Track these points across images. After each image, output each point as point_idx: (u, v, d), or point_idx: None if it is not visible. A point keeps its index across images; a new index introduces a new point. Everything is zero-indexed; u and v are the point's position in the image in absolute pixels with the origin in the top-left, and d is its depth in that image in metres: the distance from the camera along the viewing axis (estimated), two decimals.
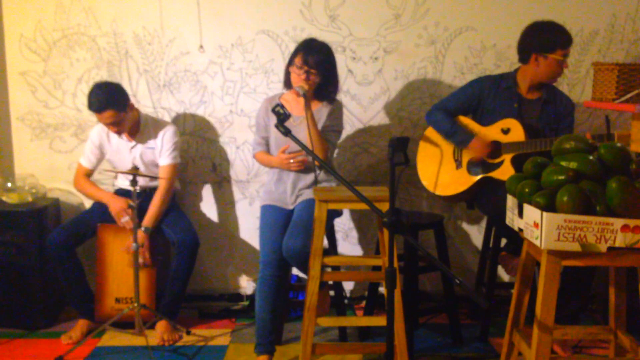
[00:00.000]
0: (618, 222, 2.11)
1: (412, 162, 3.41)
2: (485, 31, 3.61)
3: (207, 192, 3.78)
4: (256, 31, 3.61)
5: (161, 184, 3.37)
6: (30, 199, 3.51)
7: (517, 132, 3.11)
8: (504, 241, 3.25)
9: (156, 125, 3.43)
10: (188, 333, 3.35)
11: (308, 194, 3.11)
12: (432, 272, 3.51)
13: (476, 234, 3.80)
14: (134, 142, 3.38)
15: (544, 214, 2.12)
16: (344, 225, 3.80)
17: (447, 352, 3.15)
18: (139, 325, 3.08)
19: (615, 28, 3.63)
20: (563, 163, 2.25)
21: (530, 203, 2.24)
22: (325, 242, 3.12)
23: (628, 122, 3.29)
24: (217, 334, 3.38)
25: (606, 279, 2.56)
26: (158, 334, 3.27)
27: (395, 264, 2.20)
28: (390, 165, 2.07)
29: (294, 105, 3.15)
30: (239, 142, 3.72)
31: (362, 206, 2.36)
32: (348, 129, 3.68)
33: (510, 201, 2.45)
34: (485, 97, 3.23)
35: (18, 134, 3.71)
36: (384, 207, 2.52)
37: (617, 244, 2.13)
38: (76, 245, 3.31)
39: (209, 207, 3.79)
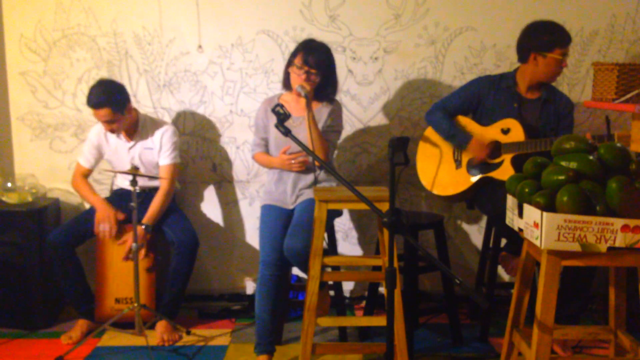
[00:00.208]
0: (618, 222, 2.11)
1: (412, 162, 3.41)
2: (485, 31, 3.61)
3: (207, 192, 3.78)
4: (256, 31, 3.61)
5: (162, 184, 3.37)
6: (30, 199, 3.51)
7: (516, 132, 3.11)
8: (504, 241, 3.25)
9: (155, 125, 3.43)
10: (188, 333, 3.35)
11: (309, 194, 3.11)
12: (432, 272, 3.50)
13: (476, 234, 3.80)
14: (132, 142, 3.38)
15: (544, 214, 2.12)
16: (344, 225, 3.80)
17: (447, 352, 3.15)
18: (139, 325, 3.08)
19: (615, 28, 3.63)
20: (563, 163, 2.25)
21: (530, 203, 2.24)
22: (325, 242, 3.12)
23: (628, 122, 3.30)
24: (217, 334, 3.38)
25: (606, 279, 2.56)
26: (158, 334, 3.27)
27: (395, 264, 2.20)
28: (390, 165, 2.06)
29: (294, 106, 3.15)
30: (239, 142, 3.72)
31: (362, 206, 2.36)
32: (348, 129, 3.68)
33: (510, 201, 2.45)
34: (485, 97, 3.23)
35: (18, 134, 3.71)
36: (384, 207, 2.52)
37: (617, 244, 2.13)
38: (76, 245, 3.31)
39: (209, 207, 3.79)
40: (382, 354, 2.97)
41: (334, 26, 3.61)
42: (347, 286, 3.80)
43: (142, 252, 3.26)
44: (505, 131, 3.15)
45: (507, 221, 2.50)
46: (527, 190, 2.29)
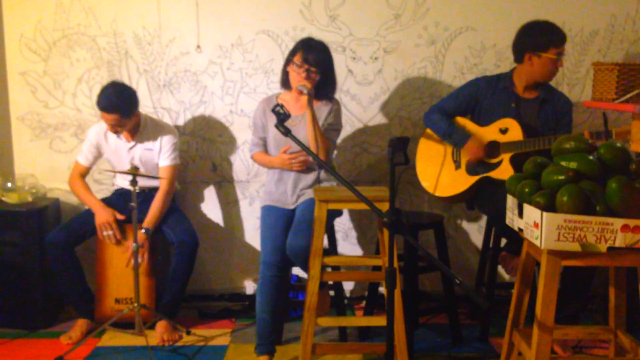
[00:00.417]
0: (618, 222, 2.11)
1: (412, 162, 3.41)
2: (485, 31, 3.61)
3: (207, 192, 3.78)
4: (256, 31, 3.61)
5: (162, 185, 3.37)
6: (30, 199, 3.51)
7: (515, 132, 3.11)
8: (504, 241, 3.25)
9: (155, 126, 3.42)
10: (188, 333, 3.35)
11: (310, 194, 3.10)
12: (432, 272, 3.50)
13: (476, 234, 3.80)
14: (132, 143, 3.38)
15: (544, 214, 2.12)
16: (344, 225, 3.80)
17: (447, 352, 3.15)
18: (139, 325, 3.07)
19: (615, 28, 3.63)
20: (563, 163, 2.25)
21: (530, 203, 2.24)
22: (325, 242, 3.12)
23: (628, 122, 3.29)
24: (217, 334, 3.38)
25: (606, 279, 2.56)
26: (158, 334, 3.27)
27: (395, 264, 2.20)
28: (390, 165, 2.06)
29: (292, 105, 3.15)
30: (239, 142, 3.72)
31: (362, 206, 2.36)
32: (348, 129, 3.68)
33: (510, 201, 2.45)
34: (482, 97, 3.24)
35: (18, 134, 3.71)
36: (384, 207, 2.52)
37: (617, 244, 2.13)
38: (76, 245, 3.31)
39: (209, 207, 3.79)
40: (382, 354, 2.98)
41: (334, 26, 3.61)
42: (347, 286, 3.80)
43: (145, 255, 3.26)
44: (504, 131, 3.15)
45: (507, 221, 2.50)
46: (527, 190, 2.29)
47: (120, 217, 3.31)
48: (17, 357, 3.10)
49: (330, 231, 3.29)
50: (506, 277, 3.67)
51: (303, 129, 3.08)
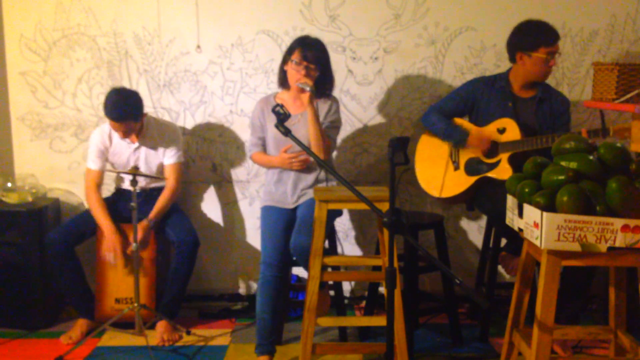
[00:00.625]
0: (618, 222, 2.11)
1: (411, 163, 3.41)
2: (485, 31, 3.61)
3: (207, 192, 3.78)
4: (256, 31, 3.61)
5: (169, 182, 3.39)
6: (30, 199, 3.50)
7: (512, 131, 3.12)
8: (504, 241, 3.25)
9: (159, 125, 3.43)
10: (188, 333, 3.35)
11: (312, 194, 3.10)
12: (432, 272, 3.51)
13: (476, 234, 3.80)
14: (137, 144, 3.38)
15: (544, 214, 2.12)
16: (344, 225, 3.80)
17: (447, 352, 3.15)
18: (139, 325, 3.08)
19: (615, 28, 3.63)
20: (563, 163, 2.25)
21: (530, 203, 2.24)
22: (326, 242, 3.12)
23: (627, 122, 3.29)
24: (217, 334, 3.38)
25: (606, 279, 2.56)
26: (158, 334, 3.27)
27: (395, 264, 2.20)
28: (390, 165, 2.06)
29: (291, 104, 3.15)
30: (239, 142, 3.72)
31: (362, 206, 2.36)
32: (348, 129, 3.68)
33: (510, 201, 2.45)
34: (479, 98, 3.24)
35: (18, 134, 3.71)
36: (384, 207, 2.52)
37: (617, 244, 2.13)
38: (76, 245, 3.31)
39: (209, 207, 3.79)
40: (382, 354, 2.97)
41: (334, 26, 3.61)
42: (347, 286, 3.80)
43: (146, 248, 3.27)
44: (501, 130, 3.16)
45: (507, 221, 2.50)
46: (527, 190, 2.29)
47: (128, 250, 3.26)
48: (17, 357, 3.10)
49: (331, 231, 3.29)
50: (506, 277, 3.67)
51: (302, 128, 3.08)
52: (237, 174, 3.76)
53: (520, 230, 2.36)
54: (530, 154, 2.69)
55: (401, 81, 3.67)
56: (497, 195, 2.87)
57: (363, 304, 3.72)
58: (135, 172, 3.02)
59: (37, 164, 3.71)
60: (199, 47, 3.62)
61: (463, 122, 3.30)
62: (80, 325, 3.32)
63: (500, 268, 3.32)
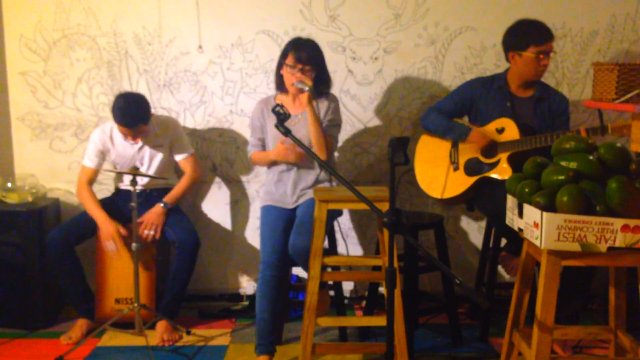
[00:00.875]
0: (618, 222, 2.11)
1: (411, 163, 3.41)
2: (485, 31, 3.61)
3: (207, 192, 3.78)
4: (256, 31, 3.61)
5: (186, 173, 3.43)
6: (30, 199, 3.51)
7: (511, 131, 3.12)
8: (504, 241, 3.25)
9: (160, 122, 3.43)
10: (188, 333, 3.35)
11: (311, 194, 3.10)
12: (432, 272, 3.51)
13: (476, 234, 3.80)
14: (140, 143, 3.37)
15: (544, 214, 2.12)
16: (344, 225, 3.80)
17: (447, 352, 3.15)
18: (139, 325, 3.08)
19: (615, 28, 3.63)
20: (563, 163, 2.25)
21: (530, 203, 2.24)
22: (326, 242, 3.12)
23: (626, 120, 3.29)
24: (217, 334, 3.38)
25: (606, 279, 2.56)
26: (158, 334, 3.27)
27: (395, 264, 2.20)
28: (390, 165, 2.06)
29: (290, 105, 3.15)
30: (239, 142, 3.72)
31: (362, 206, 2.36)
32: (348, 129, 3.68)
33: (510, 201, 2.45)
34: (478, 98, 3.24)
35: (18, 134, 3.71)
36: (384, 207, 2.52)
37: (617, 244, 2.13)
38: (76, 245, 3.31)
39: (209, 207, 3.79)
40: (382, 354, 2.97)
41: (334, 26, 3.61)
42: (347, 286, 3.80)
43: (157, 230, 3.30)
44: (500, 130, 3.16)
45: (507, 221, 2.50)
46: (527, 190, 2.29)
47: (123, 232, 3.29)
48: (17, 357, 3.10)
49: (331, 231, 3.29)
50: (506, 277, 3.67)
51: (302, 128, 3.08)
52: (237, 174, 3.76)
53: (520, 230, 2.36)
54: (529, 154, 2.69)
55: (401, 81, 3.67)
56: (497, 196, 2.87)
57: (363, 304, 3.72)
58: (135, 172, 3.02)
59: (37, 164, 3.71)
60: (200, 47, 3.62)
61: (463, 122, 3.30)
62: (80, 325, 3.32)
63: (500, 268, 3.32)
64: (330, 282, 3.26)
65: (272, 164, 3.20)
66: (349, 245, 3.81)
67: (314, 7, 3.59)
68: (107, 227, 3.27)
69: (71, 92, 3.67)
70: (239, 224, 3.81)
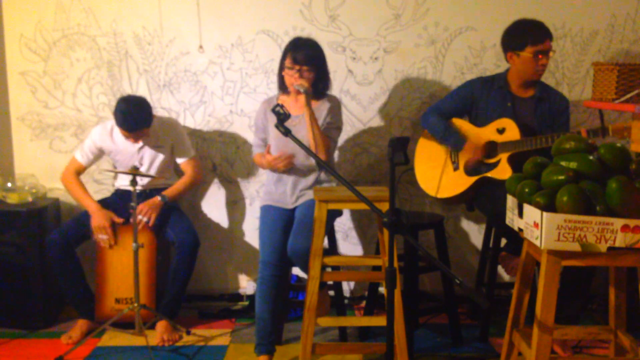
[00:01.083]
0: (618, 222, 2.11)
1: (411, 163, 3.41)
2: (485, 31, 3.61)
3: (207, 192, 3.78)
4: (256, 31, 3.61)
5: (187, 174, 3.45)
6: (30, 199, 3.50)
7: (512, 131, 3.12)
8: (504, 241, 3.25)
9: (161, 123, 3.43)
10: (188, 333, 3.35)
11: (310, 195, 3.10)
12: (432, 272, 3.51)
13: (476, 234, 3.80)
14: (141, 143, 3.37)
15: (544, 214, 2.12)
16: (344, 225, 3.80)
17: (447, 352, 3.15)
18: (139, 325, 3.08)
19: (615, 28, 3.63)
20: (563, 163, 2.25)
21: (530, 203, 2.24)
22: (326, 242, 3.12)
23: (626, 121, 3.29)
24: (217, 334, 3.38)
25: (606, 279, 2.56)
26: (158, 334, 3.27)
27: (395, 264, 2.20)
28: (390, 165, 2.06)
29: (293, 106, 3.15)
30: (239, 142, 3.72)
31: (362, 206, 2.36)
32: (348, 129, 3.68)
33: (510, 201, 2.45)
34: (478, 98, 3.25)
35: (18, 134, 3.71)
36: (384, 207, 2.52)
37: (617, 244, 2.13)
38: (76, 245, 3.31)
39: (209, 207, 3.79)
40: (382, 354, 2.97)
41: (334, 26, 3.61)
42: (347, 286, 3.81)
43: (152, 216, 3.29)
44: (501, 131, 3.16)
45: (507, 221, 2.50)
46: (527, 190, 2.28)
47: (117, 220, 3.31)
48: (17, 357, 3.10)
49: (331, 231, 3.29)
50: (506, 277, 3.68)
51: (302, 129, 3.08)
52: (237, 173, 3.76)
53: (520, 230, 2.36)
54: (529, 154, 2.69)
55: (401, 81, 3.67)
56: (497, 195, 2.87)
57: (363, 304, 3.72)
58: (135, 172, 3.02)
59: (37, 164, 3.71)
60: (201, 47, 3.62)
61: (463, 124, 3.29)
62: (80, 325, 3.32)
63: (500, 268, 3.32)
64: (330, 282, 3.26)
65: None
66: (349, 245, 3.81)
67: (314, 7, 3.59)
68: (99, 216, 3.28)
69: (71, 92, 3.67)
70: (239, 224, 3.81)
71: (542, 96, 3.19)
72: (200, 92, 3.67)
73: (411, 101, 3.69)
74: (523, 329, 2.50)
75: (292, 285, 3.49)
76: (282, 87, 3.18)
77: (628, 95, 3.06)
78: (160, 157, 3.40)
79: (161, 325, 3.30)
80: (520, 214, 2.32)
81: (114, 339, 3.29)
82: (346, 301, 3.68)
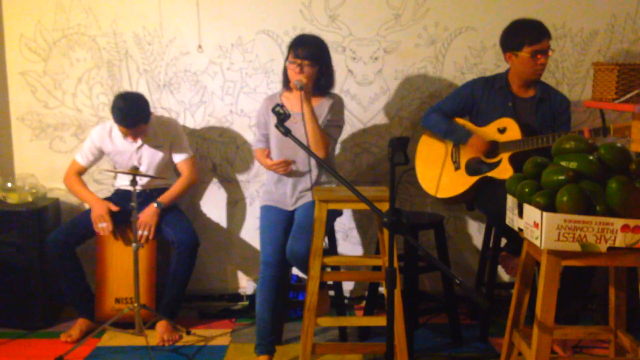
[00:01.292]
0: (618, 222, 2.11)
1: (411, 163, 3.41)
2: (485, 31, 3.61)
3: (207, 192, 3.78)
4: (256, 31, 3.61)
5: (183, 175, 3.44)
6: (30, 199, 3.50)
7: (513, 131, 3.12)
8: (504, 241, 3.25)
9: (160, 123, 3.43)
10: (188, 333, 3.35)
11: (310, 196, 3.11)
12: (432, 272, 3.51)
13: (476, 234, 3.80)
14: (139, 142, 3.38)
15: (544, 214, 2.12)
16: (344, 225, 3.80)
17: (447, 352, 3.15)
18: (139, 325, 3.08)
19: (615, 28, 3.63)
20: (563, 163, 2.25)
21: (530, 203, 2.24)
22: (326, 242, 3.12)
23: (627, 121, 3.29)
24: (217, 334, 3.38)
25: (606, 279, 2.56)
26: (158, 334, 3.27)
27: (395, 264, 2.20)
28: (390, 165, 2.06)
29: (295, 102, 3.14)
30: (239, 142, 3.72)
31: (362, 206, 2.36)
32: (348, 129, 3.68)
33: (510, 201, 2.45)
34: (479, 98, 3.25)
35: (18, 134, 3.71)
36: (384, 207, 2.52)
37: (617, 244, 2.13)
38: (76, 245, 3.31)
39: (209, 207, 3.79)
40: (382, 354, 2.97)
41: (334, 26, 3.61)
42: (347, 286, 3.80)
43: (151, 229, 3.29)
44: (502, 130, 3.16)
45: (507, 221, 2.50)
46: (527, 190, 2.28)
47: (114, 208, 3.32)
48: (17, 357, 3.10)
49: (330, 231, 3.29)
50: (506, 277, 3.68)
51: (303, 126, 3.08)
52: (237, 173, 3.76)
53: (520, 230, 2.36)
54: (530, 154, 2.69)
55: (401, 81, 3.67)
56: (498, 195, 2.87)
57: (363, 304, 3.71)
58: (135, 172, 3.02)
59: (37, 164, 3.71)
60: (200, 47, 3.62)
61: (464, 124, 3.30)
62: (80, 324, 3.33)
63: (500, 268, 3.32)
64: (330, 282, 3.26)
65: None
66: (349, 245, 3.81)
67: (314, 7, 3.59)
68: (97, 206, 3.30)
69: (71, 92, 3.67)
70: (239, 224, 3.81)
71: (543, 96, 3.19)
72: (200, 92, 3.67)
73: (411, 101, 3.69)
74: (523, 329, 2.51)
75: (292, 285, 3.49)
76: (286, 83, 3.18)
77: (628, 95, 3.06)
78: (159, 156, 3.40)
79: (161, 325, 3.30)
80: (520, 214, 2.32)
81: (114, 339, 3.29)
82: (346, 301, 3.68)
